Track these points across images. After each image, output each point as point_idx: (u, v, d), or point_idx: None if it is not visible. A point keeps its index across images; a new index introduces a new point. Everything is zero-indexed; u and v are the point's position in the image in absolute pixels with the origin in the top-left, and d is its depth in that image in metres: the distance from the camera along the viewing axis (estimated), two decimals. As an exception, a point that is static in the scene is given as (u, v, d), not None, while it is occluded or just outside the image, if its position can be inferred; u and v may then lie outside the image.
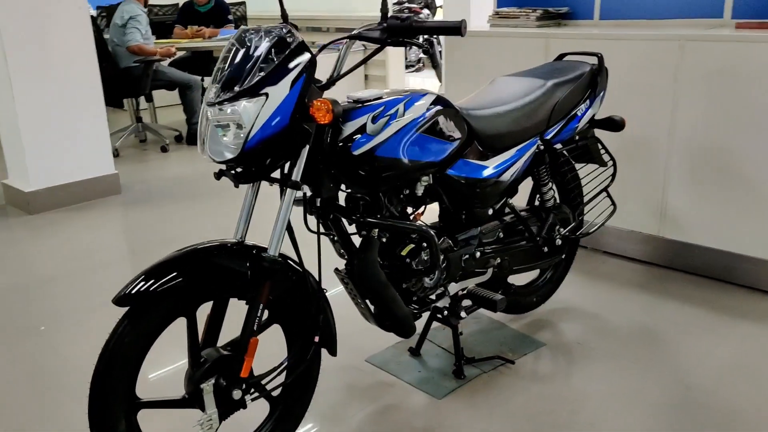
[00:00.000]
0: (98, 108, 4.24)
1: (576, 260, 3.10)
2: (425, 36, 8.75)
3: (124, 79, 5.35)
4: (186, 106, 5.77)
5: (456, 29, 1.55)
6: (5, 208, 4.21)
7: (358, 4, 7.29)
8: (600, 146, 2.51)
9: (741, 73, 2.62)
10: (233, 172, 1.63)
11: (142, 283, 1.51)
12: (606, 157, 2.53)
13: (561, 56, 2.58)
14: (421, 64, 9.67)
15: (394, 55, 6.17)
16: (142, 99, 5.67)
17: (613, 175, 2.54)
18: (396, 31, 1.62)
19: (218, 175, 1.65)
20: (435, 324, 2.42)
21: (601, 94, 2.42)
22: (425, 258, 1.95)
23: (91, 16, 4.92)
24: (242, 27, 1.63)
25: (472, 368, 2.29)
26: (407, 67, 9.31)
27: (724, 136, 2.72)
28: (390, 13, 1.63)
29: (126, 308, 1.52)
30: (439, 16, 8.41)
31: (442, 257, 2.04)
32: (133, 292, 1.50)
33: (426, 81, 8.89)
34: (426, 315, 2.31)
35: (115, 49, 5.36)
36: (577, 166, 2.57)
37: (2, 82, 3.88)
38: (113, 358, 1.50)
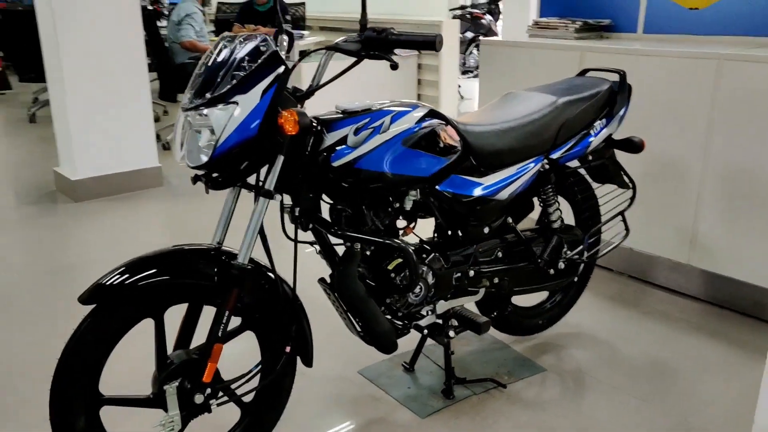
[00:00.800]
0: (145, 102, 4.37)
1: (598, 283, 2.98)
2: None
3: (178, 75, 5.51)
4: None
5: (431, 44, 1.50)
6: (55, 194, 4.41)
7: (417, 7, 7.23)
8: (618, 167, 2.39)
9: (782, 97, 2.45)
10: (205, 177, 1.63)
11: (118, 276, 1.54)
12: (626, 179, 2.42)
13: (584, 71, 2.47)
14: (481, 70, 9.50)
15: (448, 59, 6.06)
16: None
17: (632, 199, 2.42)
18: (371, 44, 1.59)
19: (194, 180, 1.66)
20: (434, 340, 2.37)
21: (621, 113, 2.30)
22: (408, 274, 1.91)
23: (149, 12, 5.10)
24: (222, 34, 1.63)
25: (463, 389, 2.23)
26: (466, 72, 9.19)
27: (763, 164, 2.54)
28: (368, 24, 1.59)
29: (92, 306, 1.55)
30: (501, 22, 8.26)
31: (431, 274, 1.99)
32: (108, 284, 1.53)
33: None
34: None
35: (171, 46, 5.54)
36: (595, 186, 2.46)
37: (56, 76, 4.06)
38: (76, 354, 1.53)
